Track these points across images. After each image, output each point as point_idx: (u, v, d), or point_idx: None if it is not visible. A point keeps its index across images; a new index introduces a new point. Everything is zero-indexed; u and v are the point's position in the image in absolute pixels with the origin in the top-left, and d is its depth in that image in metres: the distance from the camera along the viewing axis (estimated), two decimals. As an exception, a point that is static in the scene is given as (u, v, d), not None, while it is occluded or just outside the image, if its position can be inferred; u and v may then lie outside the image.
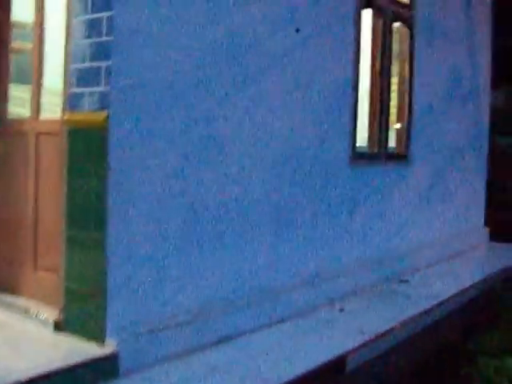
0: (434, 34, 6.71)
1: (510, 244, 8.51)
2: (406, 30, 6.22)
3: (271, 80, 4.40)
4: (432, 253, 6.92)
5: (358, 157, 5.53)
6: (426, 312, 5.15)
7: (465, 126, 7.78)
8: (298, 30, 4.66)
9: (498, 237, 8.55)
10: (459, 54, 7.49)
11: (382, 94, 5.86)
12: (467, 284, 6.17)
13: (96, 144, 3.39)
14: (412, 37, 6.26)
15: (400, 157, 6.37)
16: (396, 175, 6.27)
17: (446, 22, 7.02)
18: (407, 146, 6.38)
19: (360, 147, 5.64)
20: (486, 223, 8.62)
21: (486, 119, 8.44)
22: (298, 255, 4.80)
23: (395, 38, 6.13)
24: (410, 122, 6.37)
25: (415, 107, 6.43)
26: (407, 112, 6.34)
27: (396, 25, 6.09)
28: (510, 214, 9.00)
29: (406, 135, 6.35)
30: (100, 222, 3.36)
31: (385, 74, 5.87)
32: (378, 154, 5.89)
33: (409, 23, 6.22)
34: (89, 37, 3.41)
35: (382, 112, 5.87)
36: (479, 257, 7.94)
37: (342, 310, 4.94)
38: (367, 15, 5.68)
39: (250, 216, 4.28)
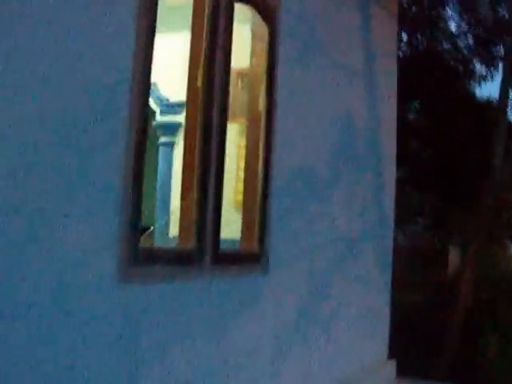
0: (315, 47, 3.94)
1: (421, 378, 6.27)
2: (262, 25, 3.38)
3: None
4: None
5: (146, 259, 2.61)
6: None
7: (360, 206, 5.02)
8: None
9: (406, 368, 5.92)
10: (355, 94, 4.75)
11: (207, 135, 2.95)
12: None
13: None
14: (274, 39, 3.41)
15: (249, 258, 3.47)
16: (239, 292, 3.35)
17: (335, 34, 4.30)
18: (262, 240, 3.47)
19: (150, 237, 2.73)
20: (392, 352, 5.75)
21: (390, 196, 5.69)
22: None
23: (242, 38, 3.30)
24: (266, 198, 3.50)
25: (277, 171, 3.57)
26: (262, 179, 3.46)
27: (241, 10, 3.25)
28: (419, 336, 6.42)
29: (259, 221, 3.45)
30: None
31: (216, 98, 2.98)
32: (195, 252, 2.93)
33: (268, 12, 3.38)
34: None
35: (205, 172, 2.94)
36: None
37: None
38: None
39: None
